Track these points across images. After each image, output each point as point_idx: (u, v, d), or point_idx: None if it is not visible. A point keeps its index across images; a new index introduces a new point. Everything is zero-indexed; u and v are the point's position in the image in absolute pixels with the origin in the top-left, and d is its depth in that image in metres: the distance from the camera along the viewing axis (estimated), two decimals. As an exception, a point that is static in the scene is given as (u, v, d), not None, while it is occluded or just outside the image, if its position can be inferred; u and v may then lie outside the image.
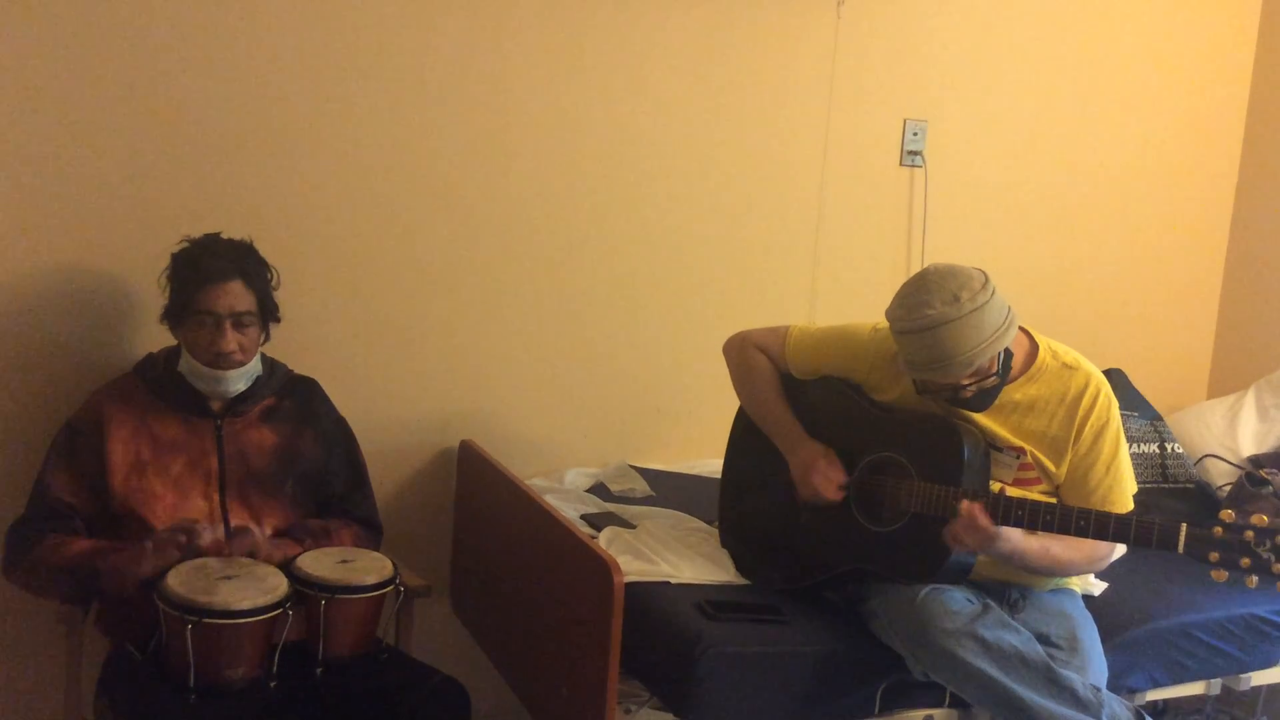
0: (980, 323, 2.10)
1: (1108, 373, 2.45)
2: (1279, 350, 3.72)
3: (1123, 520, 2.07)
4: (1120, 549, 2.35)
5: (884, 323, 2.25)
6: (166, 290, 2.31)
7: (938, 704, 2.32)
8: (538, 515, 2.38)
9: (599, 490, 2.94)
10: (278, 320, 2.36)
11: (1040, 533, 2.15)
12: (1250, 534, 1.94)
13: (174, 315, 2.29)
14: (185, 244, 2.31)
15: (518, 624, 2.52)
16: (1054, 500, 2.27)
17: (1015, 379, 2.27)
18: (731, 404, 2.65)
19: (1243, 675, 2.64)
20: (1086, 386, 2.27)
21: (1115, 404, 2.31)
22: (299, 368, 2.49)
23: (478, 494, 2.80)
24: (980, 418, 2.27)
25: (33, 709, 2.60)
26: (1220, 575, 1.97)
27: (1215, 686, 2.66)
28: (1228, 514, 1.97)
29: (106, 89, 2.50)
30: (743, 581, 2.44)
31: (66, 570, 2.15)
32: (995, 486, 2.25)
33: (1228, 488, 3.14)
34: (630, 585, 2.19)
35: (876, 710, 2.28)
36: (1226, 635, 2.58)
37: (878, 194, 3.38)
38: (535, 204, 2.97)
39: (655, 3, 3.01)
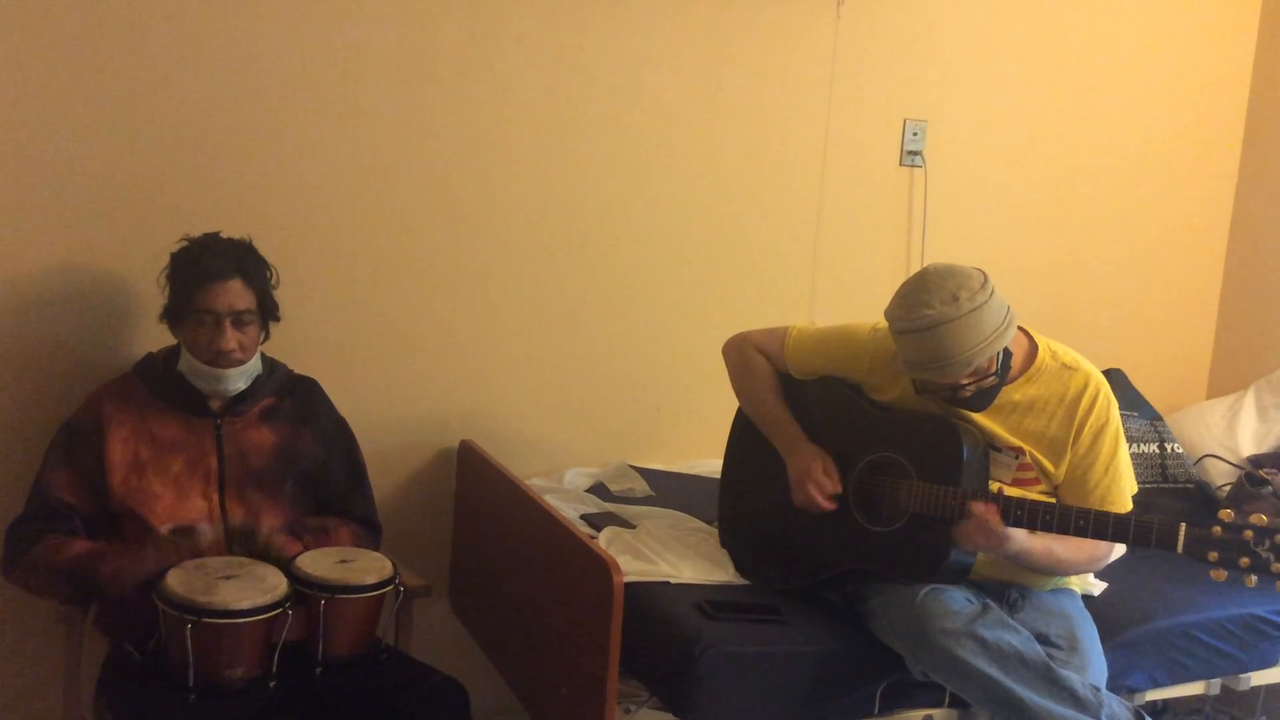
0: (979, 322, 2.10)
1: (1107, 373, 2.46)
2: (1279, 350, 3.72)
3: (1122, 520, 2.07)
4: (1120, 549, 2.35)
5: (883, 323, 2.25)
6: (166, 289, 2.31)
7: (937, 704, 2.32)
8: (537, 515, 2.38)
9: (599, 490, 2.94)
10: (277, 319, 2.36)
11: (1042, 532, 2.15)
12: (1249, 533, 1.94)
13: (173, 314, 2.29)
14: (184, 243, 2.31)
15: (517, 624, 2.52)
16: (1053, 500, 2.27)
17: (1014, 379, 2.27)
18: (731, 404, 2.65)
19: (1242, 675, 2.64)
20: (1086, 387, 2.27)
21: (1115, 404, 2.31)
22: (299, 368, 2.49)
23: (478, 494, 2.80)
24: (979, 418, 2.27)
25: (32, 709, 2.60)
26: (1219, 575, 1.97)
27: (1215, 686, 2.66)
28: (1227, 514, 1.97)
29: (106, 89, 2.50)
30: (742, 581, 2.44)
31: (65, 572, 2.15)
32: (994, 486, 2.25)
33: (1227, 488, 3.14)
34: (630, 585, 2.19)
35: (876, 710, 2.28)
36: (1226, 635, 2.58)
37: (877, 194, 3.38)
38: (535, 204, 2.97)
39: (655, 2, 3.01)
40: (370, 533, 2.47)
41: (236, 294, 2.25)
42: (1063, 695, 2.12)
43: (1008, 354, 2.22)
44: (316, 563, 2.20)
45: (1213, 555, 1.96)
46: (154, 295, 2.35)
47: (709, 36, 3.08)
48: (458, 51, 2.82)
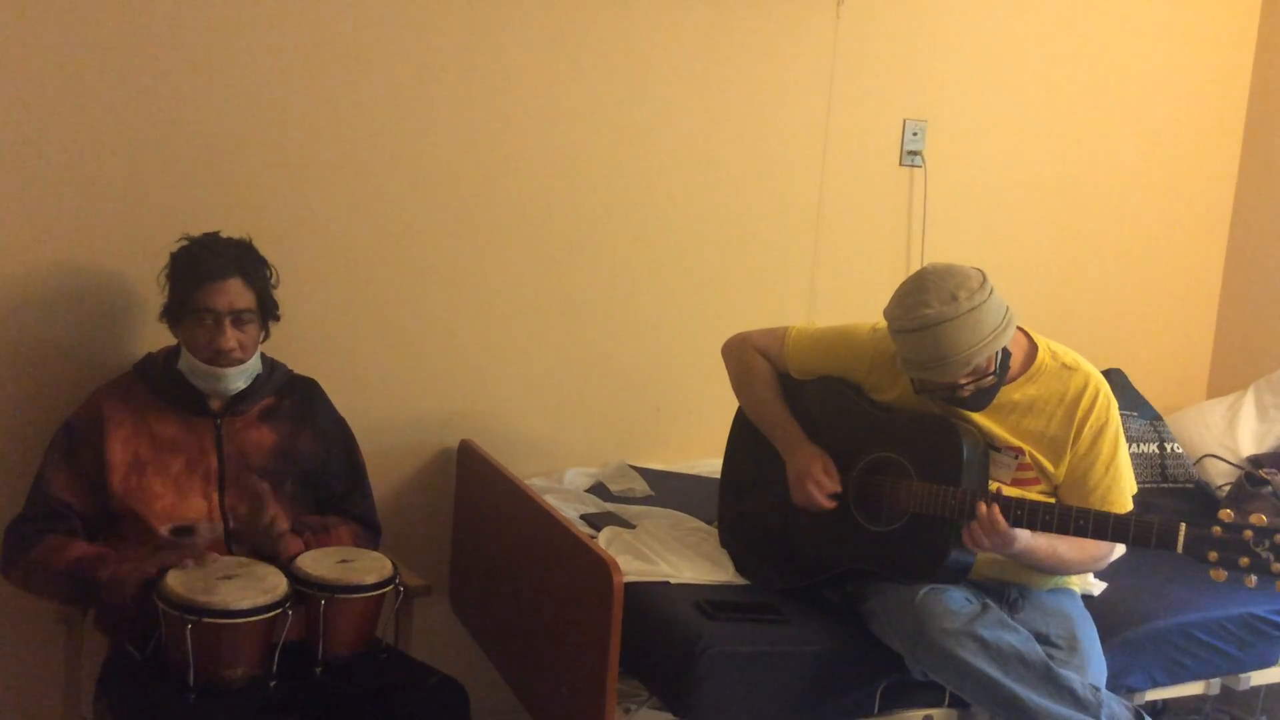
0: (978, 322, 2.10)
1: (1107, 373, 2.46)
2: (1279, 350, 3.72)
3: (1122, 520, 2.07)
4: (1120, 549, 2.35)
5: (883, 322, 2.25)
6: (165, 289, 2.31)
7: (937, 704, 2.32)
8: (537, 515, 2.38)
9: (598, 490, 2.94)
10: (277, 318, 2.36)
11: (1045, 532, 2.16)
12: (1249, 533, 1.94)
13: (173, 313, 2.29)
14: (184, 242, 2.31)
15: (517, 624, 2.52)
16: (1053, 500, 2.27)
17: (1014, 379, 2.27)
18: (731, 404, 2.65)
19: (1242, 675, 2.64)
20: (1085, 387, 2.27)
21: (1114, 404, 2.31)
22: (299, 368, 2.49)
23: (477, 494, 2.80)
24: (979, 417, 2.28)
25: (32, 708, 2.60)
26: (1219, 575, 1.97)
27: (1214, 686, 2.66)
28: (1226, 513, 1.97)
29: (106, 89, 2.50)
30: (742, 581, 2.44)
31: (65, 575, 2.15)
32: (993, 486, 2.25)
33: (1227, 487, 3.14)
34: (630, 585, 2.19)
35: (876, 710, 2.28)
36: (1225, 635, 2.58)
37: (877, 194, 3.38)
38: (535, 204, 2.97)
39: (655, 3, 3.01)
40: (370, 532, 2.47)
41: (236, 293, 2.25)
42: (1062, 695, 2.12)
43: (1006, 353, 2.22)
44: (317, 562, 2.21)
45: (1212, 555, 1.96)
46: (154, 294, 2.35)
47: (709, 36, 3.09)
48: (458, 51, 2.82)
